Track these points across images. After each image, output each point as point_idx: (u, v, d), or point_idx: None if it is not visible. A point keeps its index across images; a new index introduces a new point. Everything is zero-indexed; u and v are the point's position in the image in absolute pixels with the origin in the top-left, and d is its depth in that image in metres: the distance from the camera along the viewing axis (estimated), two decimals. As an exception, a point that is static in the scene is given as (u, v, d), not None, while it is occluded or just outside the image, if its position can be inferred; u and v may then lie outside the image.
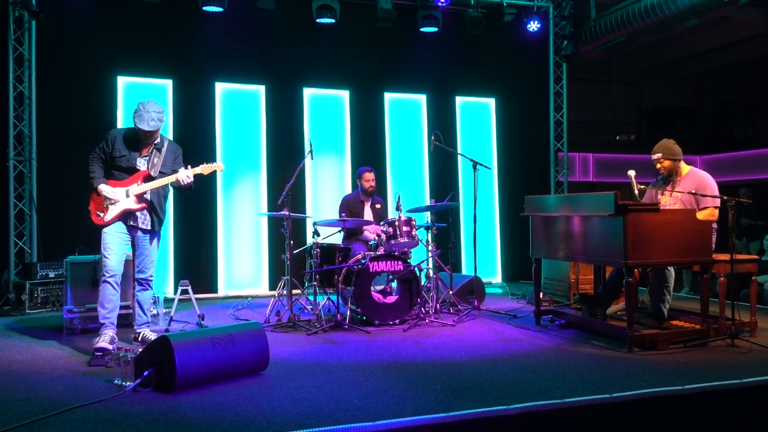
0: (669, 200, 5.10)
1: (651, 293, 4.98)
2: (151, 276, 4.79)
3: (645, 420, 3.35)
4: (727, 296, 4.72)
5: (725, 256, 4.72)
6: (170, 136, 6.89)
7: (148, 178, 4.59)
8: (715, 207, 4.86)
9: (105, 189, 4.52)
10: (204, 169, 4.71)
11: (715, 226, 4.87)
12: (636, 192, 4.97)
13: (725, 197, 4.66)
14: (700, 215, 4.71)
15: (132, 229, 4.64)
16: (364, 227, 6.33)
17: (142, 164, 4.62)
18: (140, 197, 4.57)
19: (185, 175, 4.56)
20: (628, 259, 4.32)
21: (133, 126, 4.59)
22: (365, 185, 6.43)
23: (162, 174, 4.63)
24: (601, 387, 3.53)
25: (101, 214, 4.54)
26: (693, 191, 4.90)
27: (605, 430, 3.29)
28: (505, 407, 3.15)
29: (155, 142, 4.65)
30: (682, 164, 5.11)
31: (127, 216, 4.59)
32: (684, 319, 5.07)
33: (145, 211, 4.63)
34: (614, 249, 4.43)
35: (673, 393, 3.41)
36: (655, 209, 4.48)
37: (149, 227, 4.67)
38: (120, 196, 4.54)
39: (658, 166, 5.11)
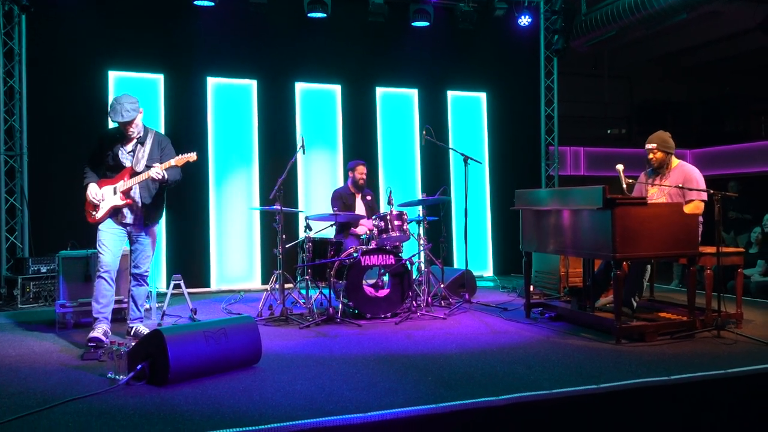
0: (656, 192, 5.15)
1: (627, 283, 5.06)
2: (147, 272, 4.81)
3: (632, 410, 3.41)
4: (714, 288, 4.79)
5: (712, 249, 4.78)
6: (162, 131, 6.86)
7: (134, 174, 4.60)
8: (701, 200, 4.92)
9: (90, 189, 4.58)
10: (178, 161, 4.63)
11: (701, 219, 4.93)
12: (624, 186, 5.02)
13: (711, 191, 4.71)
14: (686, 208, 4.78)
15: (125, 225, 4.65)
16: (360, 222, 6.35)
17: (127, 160, 4.63)
18: (126, 193, 4.58)
19: (155, 172, 4.51)
20: (616, 252, 4.38)
21: (115, 126, 4.63)
22: (357, 177, 6.47)
23: (148, 168, 4.62)
24: (589, 378, 3.59)
25: (94, 213, 4.61)
26: (680, 185, 4.95)
27: (593, 420, 3.34)
28: (495, 398, 3.20)
29: (138, 136, 4.65)
30: (673, 158, 5.17)
31: (116, 213, 4.61)
32: (671, 311, 5.14)
33: (133, 208, 4.63)
34: (603, 242, 4.48)
35: (660, 383, 3.47)
36: (643, 203, 4.53)
37: (140, 222, 4.68)
38: (108, 194, 4.58)
39: (651, 156, 5.15)
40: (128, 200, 4.59)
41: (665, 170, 5.13)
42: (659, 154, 5.11)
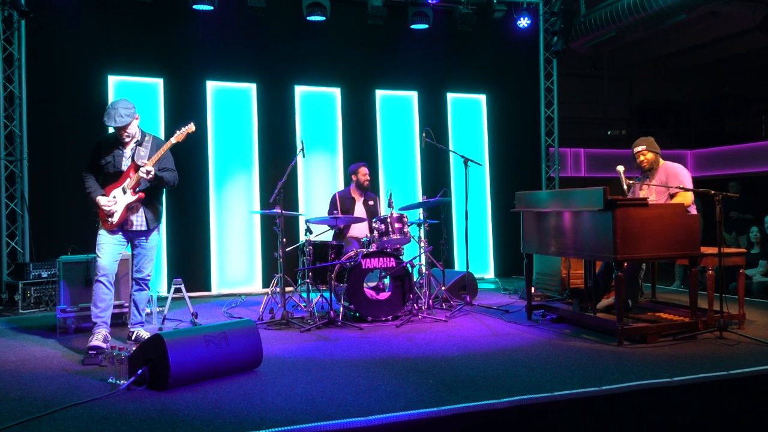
0: (645, 193, 5.15)
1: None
2: (149, 276, 4.79)
3: (634, 412, 3.40)
4: (716, 289, 4.78)
5: (713, 250, 4.77)
6: (162, 135, 6.88)
7: (138, 168, 4.54)
8: (686, 190, 4.90)
9: (101, 200, 4.50)
10: (177, 137, 4.60)
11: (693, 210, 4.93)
12: (625, 187, 5.03)
13: (712, 191, 4.70)
14: (674, 201, 4.81)
15: (125, 232, 4.63)
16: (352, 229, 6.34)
17: (127, 164, 4.60)
18: (134, 189, 4.56)
19: (145, 171, 4.45)
20: (617, 253, 4.37)
21: (112, 132, 4.61)
22: (362, 179, 6.46)
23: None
24: (591, 380, 3.58)
25: (110, 219, 4.54)
26: (665, 184, 4.95)
27: (595, 422, 3.33)
28: (497, 401, 3.20)
29: (136, 139, 4.64)
30: (659, 159, 5.17)
31: (125, 217, 4.57)
32: (673, 313, 5.13)
33: (140, 212, 4.61)
34: (604, 244, 4.47)
35: (662, 385, 3.46)
36: (644, 204, 4.52)
37: (145, 227, 4.66)
38: (118, 196, 4.54)
39: (641, 158, 5.16)
40: (140, 194, 4.55)
41: (654, 171, 5.13)
42: (650, 155, 5.13)
